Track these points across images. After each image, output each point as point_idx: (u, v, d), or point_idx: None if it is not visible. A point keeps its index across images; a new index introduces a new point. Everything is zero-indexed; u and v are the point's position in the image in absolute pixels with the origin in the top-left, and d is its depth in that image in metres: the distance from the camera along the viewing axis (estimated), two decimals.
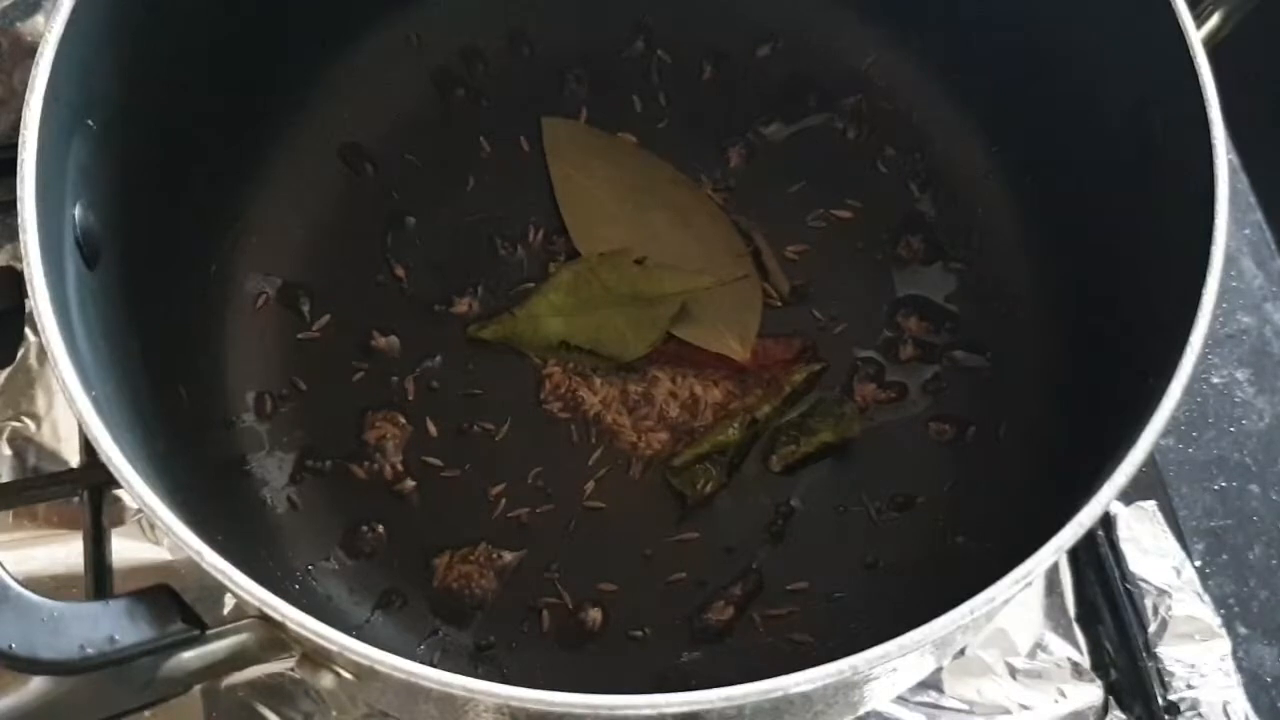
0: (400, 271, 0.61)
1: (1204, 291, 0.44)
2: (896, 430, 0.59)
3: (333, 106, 0.63)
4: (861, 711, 0.55)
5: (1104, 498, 0.40)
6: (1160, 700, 0.56)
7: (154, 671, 0.42)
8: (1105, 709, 0.57)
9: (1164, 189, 0.50)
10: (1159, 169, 0.50)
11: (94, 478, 0.57)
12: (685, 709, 0.37)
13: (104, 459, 0.41)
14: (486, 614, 0.55)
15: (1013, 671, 0.58)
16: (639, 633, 0.55)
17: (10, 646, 0.39)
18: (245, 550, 0.44)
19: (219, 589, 0.51)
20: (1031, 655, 0.58)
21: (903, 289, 0.61)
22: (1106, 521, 0.60)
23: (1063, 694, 0.57)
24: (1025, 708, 0.57)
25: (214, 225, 0.59)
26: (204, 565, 0.39)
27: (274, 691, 0.56)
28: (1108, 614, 0.58)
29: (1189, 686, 0.57)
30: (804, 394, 0.59)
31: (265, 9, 0.57)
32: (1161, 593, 0.58)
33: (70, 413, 0.48)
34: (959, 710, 0.57)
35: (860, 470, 0.58)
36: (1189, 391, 0.42)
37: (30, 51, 0.46)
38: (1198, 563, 0.60)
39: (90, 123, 0.48)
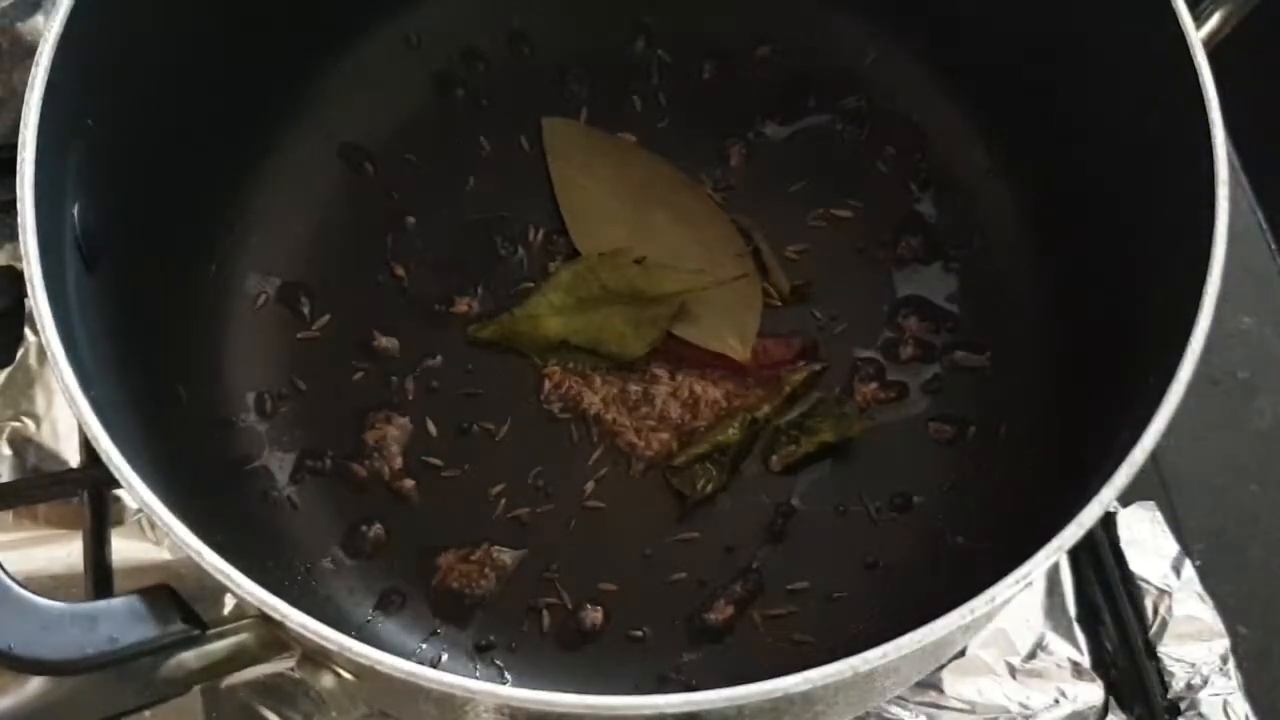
0: (400, 271, 0.61)
1: (1204, 291, 0.44)
2: (896, 430, 0.59)
3: (333, 106, 0.63)
4: (861, 711, 0.55)
5: (1104, 498, 0.40)
6: (1160, 700, 0.56)
7: (154, 671, 0.42)
8: (1105, 709, 0.57)
9: (1164, 189, 0.50)
10: (1159, 169, 0.50)
11: (94, 478, 0.57)
12: (685, 709, 0.37)
13: (104, 459, 0.41)
14: (486, 614, 0.55)
15: (1013, 671, 0.58)
16: (639, 633, 0.55)
17: (10, 647, 0.39)
18: (245, 550, 0.43)
19: (219, 589, 0.51)
20: (1031, 655, 0.58)
21: (903, 289, 0.61)
22: (1106, 521, 0.60)
23: (1063, 694, 0.57)
24: (1025, 708, 0.57)
25: (214, 225, 0.59)
26: (204, 565, 0.39)
27: (274, 691, 0.56)
28: (1108, 614, 0.59)
29: (1189, 686, 0.57)
30: (804, 394, 0.59)
31: (265, 9, 0.57)
32: (1161, 593, 0.58)
33: (70, 413, 0.48)
34: (959, 710, 0.57)
35: (860, 470, 0.58)
36: (1189, 391, 0.42)
37: (30, 51, 0.46)
38: (1198, 563, 0.60)
39: (90, 123, 0.48)
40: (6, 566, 0.40)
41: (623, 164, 0.63)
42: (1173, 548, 0.60)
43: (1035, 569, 0.40)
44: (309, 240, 0.62)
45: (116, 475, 0.41)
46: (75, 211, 0.47)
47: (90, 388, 0.42)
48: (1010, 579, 0.40)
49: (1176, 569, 0.59)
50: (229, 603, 0.57)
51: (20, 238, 0.43)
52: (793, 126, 0.64)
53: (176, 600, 0.42)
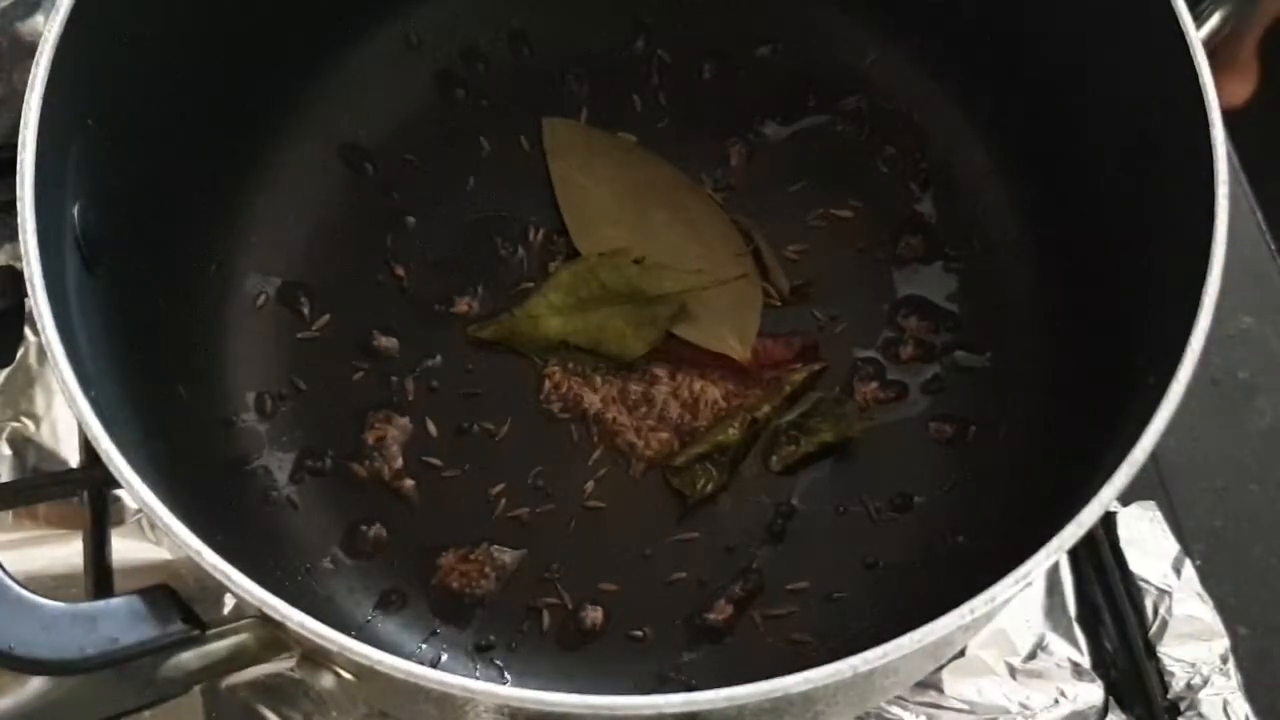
0: (400, 271, 0.61)
1: (1204, 291, 0.44)
2: (896, 430, 0.58)
3: (333, 106, 0.63)
4: (861, 711, 0.55)
5: (1104, 498, 0.40)
6: (1160, 700, 0.56)
7: (154, 671, 0.42)
8: (1105, 709, 0.57)
9: (1164, 189, 0.50)
10: (1159, 169, 0.50)
11: (94, 478, 0.57)
12: (685, 709, 0.37)
13: (104, 459, 0.41)
14: (486, 614, 0.55)
15: (1013, 671, 0.58)
16: (639, 633, 0.55)
17: (10, 647, 0.39)
18: (245, 550, 0.44)
19: (219, 589, 0.51)
20: (1031, 655, 0.58)
21: (903, 289, 0.61)
22: (1106, 521, 0.60)
23: (1063, 694, 0.57)
24: (1025, 708, 0.57)
25: (214, 225, 0.59)
26: (204, 565, 0.39)
27: (274, 691, 0.56)
28: (1108, 614, 0.58)
29: (1189, 686, 0.57)
30: (804, 394, 0.59)
31: (265, 9, 0.57)
32: (1161, 593, 0.58)
33: (70, 413, 0.48)
34: (959, 710, 0.57)
35: (860, 470, 0.58)
36: (1189, 391, 0.42)
37: (30, 51, 0.46)
38: (1198, 562, 0.60)
39: (90, 123, 0.48)
40: (6, 566, 0.40)
41: (623, 164, 0.63)
42: (1173, 548, 0.60)
43: (1035, 569, 0.40)
44: (309, 240, 0.62)
45: (116, 475, 0.41)
46: (75, 211, 0.47)
47: (90, 388, 0.42)
48: (1010, 579, 0.40)
49: (1176, 569, 0.59)
50: (229, 603, 0.57)
51: (20, 238, 0.43)
52: (793, 126, 0.64)
53: (176, 600, 0.42)
